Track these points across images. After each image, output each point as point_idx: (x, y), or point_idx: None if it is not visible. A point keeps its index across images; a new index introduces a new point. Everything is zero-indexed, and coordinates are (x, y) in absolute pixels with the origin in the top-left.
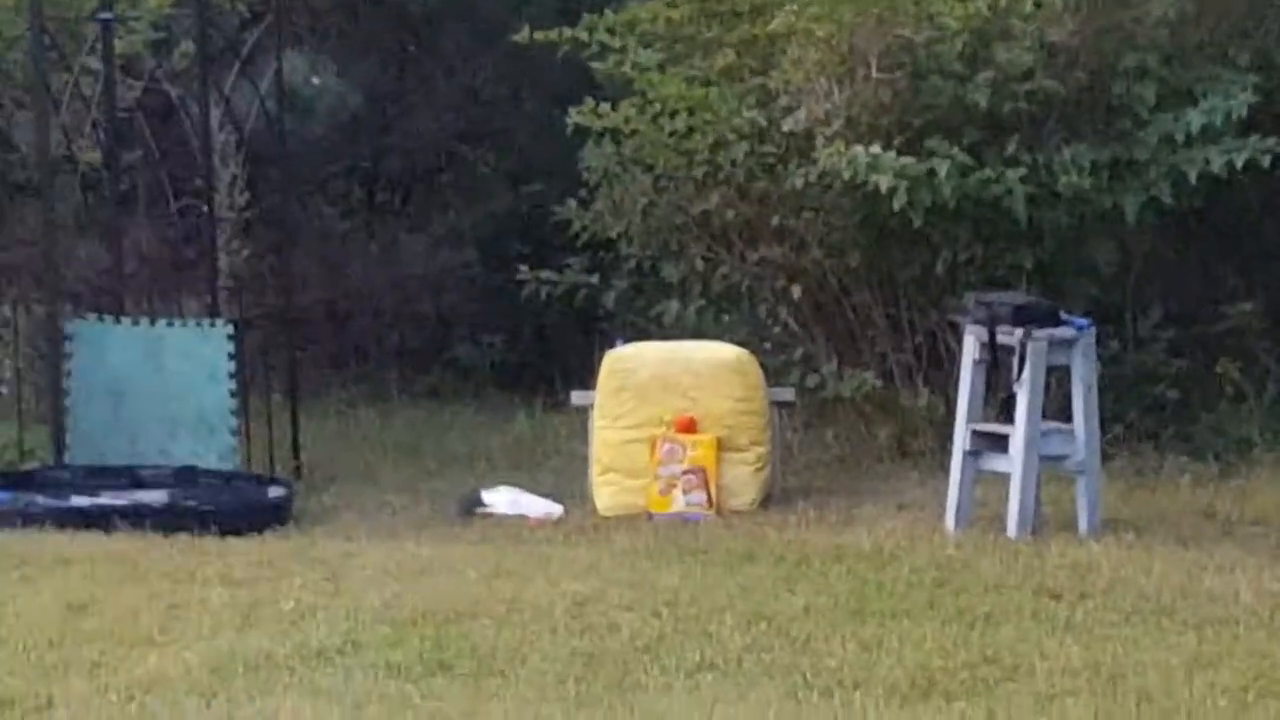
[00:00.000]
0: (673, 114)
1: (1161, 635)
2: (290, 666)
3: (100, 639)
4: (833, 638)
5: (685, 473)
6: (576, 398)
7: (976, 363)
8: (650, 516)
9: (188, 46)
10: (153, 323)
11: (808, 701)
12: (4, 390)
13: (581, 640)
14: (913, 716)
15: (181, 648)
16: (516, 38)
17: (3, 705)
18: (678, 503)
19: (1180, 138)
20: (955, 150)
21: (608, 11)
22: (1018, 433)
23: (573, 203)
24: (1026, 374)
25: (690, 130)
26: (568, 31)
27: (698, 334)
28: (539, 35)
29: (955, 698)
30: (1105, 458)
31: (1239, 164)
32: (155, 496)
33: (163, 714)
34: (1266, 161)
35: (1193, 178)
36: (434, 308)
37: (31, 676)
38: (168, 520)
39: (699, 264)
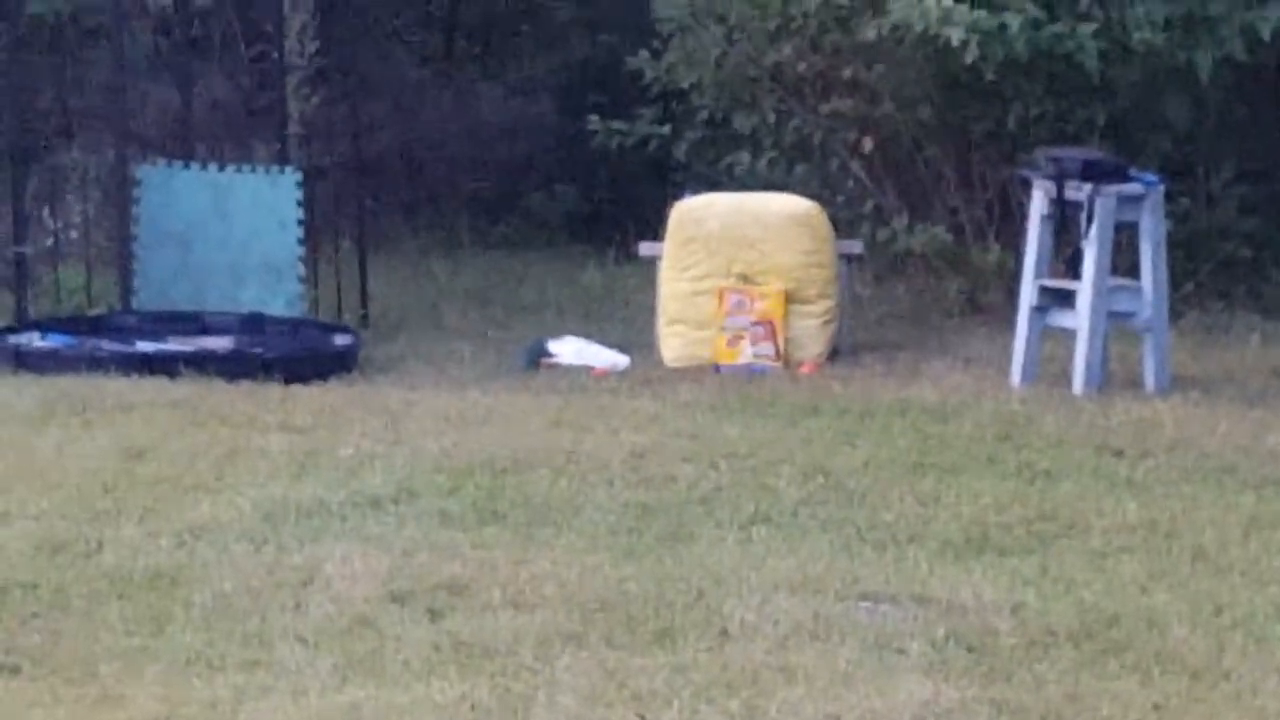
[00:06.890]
0: None
1: (1221, 494)
2: (343, 514)
3: (155, 484)
4: (890, 492)
5: (753, 324)
6: (645, 249)
7: (1045, 218)
8: (717, 368)
9: None
10: (221, 169)
11: (860, 555)
12: (73, 235)
13: (637, 492)
14: (965, 571)
15: (235, 494)
16: None
17: (53, 549)
18: (744, 354)
19: None
20: (1028, 4)
21: None
22: (1085, 289)
23: (645, 53)
24: (1094, 230)
25: None
26: None
27: (769, 186)
28: None
29: (1009, 553)
30: (1175, 315)
31: None
32: (220, 343)
33: (210, 559)
34: None
35: (1266, 34)
36: (508, 156)
37: (83, 521)
38: (232, 367)
39: (770, 116)
